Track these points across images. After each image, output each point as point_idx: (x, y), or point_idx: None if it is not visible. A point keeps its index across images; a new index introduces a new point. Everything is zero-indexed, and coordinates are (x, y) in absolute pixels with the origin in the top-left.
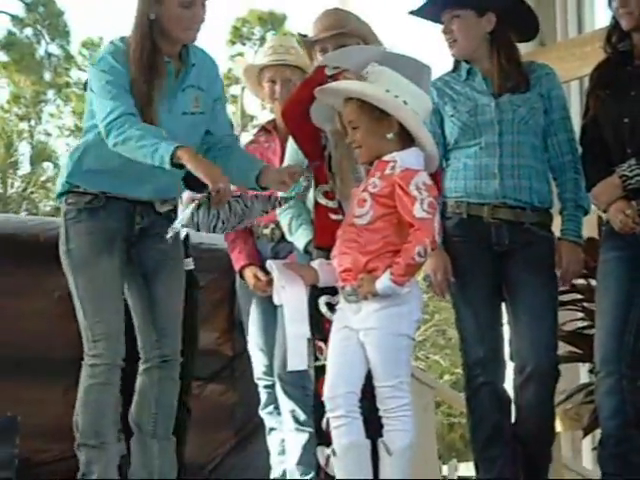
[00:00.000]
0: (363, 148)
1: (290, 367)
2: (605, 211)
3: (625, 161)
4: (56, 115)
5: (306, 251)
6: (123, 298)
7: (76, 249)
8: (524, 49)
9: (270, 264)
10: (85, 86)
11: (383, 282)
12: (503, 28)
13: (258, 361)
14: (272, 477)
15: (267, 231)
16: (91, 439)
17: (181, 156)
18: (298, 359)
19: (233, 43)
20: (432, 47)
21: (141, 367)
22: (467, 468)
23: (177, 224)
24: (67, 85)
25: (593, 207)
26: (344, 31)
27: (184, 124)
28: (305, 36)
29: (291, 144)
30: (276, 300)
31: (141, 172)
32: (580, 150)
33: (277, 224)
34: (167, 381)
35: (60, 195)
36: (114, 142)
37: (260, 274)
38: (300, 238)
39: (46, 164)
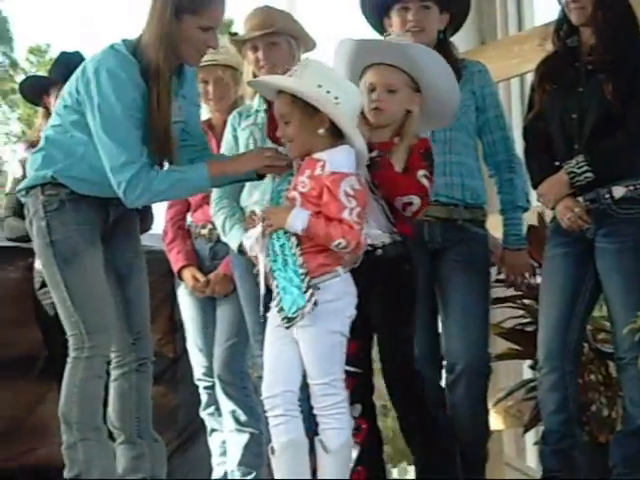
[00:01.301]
0: (294, 143)
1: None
2: (552, 208)
3: (572, 157)
4: (2, 122)
5: (240, 251)
6: None
7: (63, 240)
8: (465, 47)
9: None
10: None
11: (303, 214)
12: (448, 29)
13: (197, 362)
14: (214, 478)
15: (205, 231)
16: (91, 435)
17: (215, 175)
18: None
19: None
20: None
21: (118, 371)
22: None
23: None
24: (13, 91)
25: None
26: (273, 30)
27: None
28: (236, 34)
29: (226, 142)
30: (252, 245)
31: None
32: (524, 144)
33: (215, 224)
34: (145, 383)
35: (33, 186)
36: (136, 204)
37: (199, 275)
38: (234, 238)
39: None
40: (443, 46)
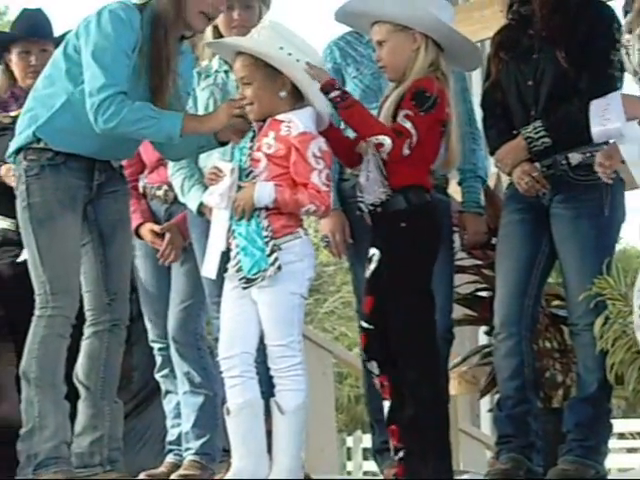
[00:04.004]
0: (255, 105)
1: (202, 273)
2: (509, 174)
3: (529, 123)
4: None
5: (199, 212)
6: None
7: (40, 203)
8: None
9: (234, 168)
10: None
11: (267, 187)
12: None
13: (152, 324)
14: (168, 440)
15: (160, 192)
16: (48, 391)
17: (188, 129)
18: (210, 267)
19: None
20: None
21: (91, 329)
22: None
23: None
24: None
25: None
26: None
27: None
28: None
29: None
30: (219, 201)
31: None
32: (482, 113)
33: (170, 185)
34: (116, 345)
35: (18, 150)
36: (103, 127)
37: (156, 227)
38: (193, 199)
39: None
40: None
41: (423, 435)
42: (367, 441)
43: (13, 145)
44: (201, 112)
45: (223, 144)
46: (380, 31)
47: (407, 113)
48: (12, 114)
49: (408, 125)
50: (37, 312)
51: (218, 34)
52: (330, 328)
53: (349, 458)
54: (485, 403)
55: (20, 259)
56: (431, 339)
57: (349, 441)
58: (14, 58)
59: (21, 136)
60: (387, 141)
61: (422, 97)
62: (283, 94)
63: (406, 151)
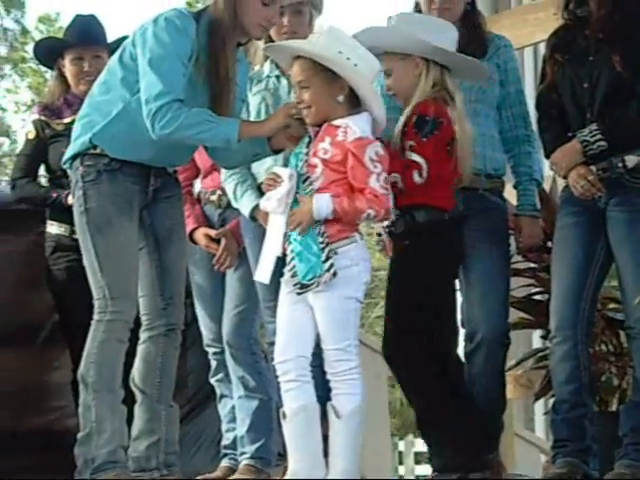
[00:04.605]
0: (313, 109)
1: (255, 277)
2: (565, 177)
3: (585, 126)
4: (12, 90)
5: (252, 217)
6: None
7: (97, 208)
8: None
9: (292, 174)
10: (37, 50)
11: (324, 199)
12: None
13: (206, 328)
14: (223, 444)
15: (214, 197)
16: (106, 396)
17: (245, 133)
18: (264, 273)
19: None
20: None
21: (146, 334)
22: (424, 444)
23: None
24: (23, 60)
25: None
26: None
27: None
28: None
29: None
30: (276, 206)
31: (160, 142)
32: (537, 115)
33: (224, 190)
34: (171, 349)
35: (75, 156)
36: (160, 134)
37: (211, 232)
38: (245, 204)
39: (1, 139)
40: (471, 18)
41: (437, 430)
42: (419, 445)
43: (69, 151)
44: (253, 117)
45: (277, 152)
46: (386, 62)
47: (410, 144)
48: (65, 121)
49: (414, 156)
50: (96, 317)
51: (269, 39)
52: (381, 332)
53: (401, 462)
54: (540, 407)
55: None
56: (427, 344)
57: (401, 445)
58: (67, 64)
59: (77, 142)
60: (398, 178)
61: (421, 123)
62: (340, 98)
63: (418, 179)
